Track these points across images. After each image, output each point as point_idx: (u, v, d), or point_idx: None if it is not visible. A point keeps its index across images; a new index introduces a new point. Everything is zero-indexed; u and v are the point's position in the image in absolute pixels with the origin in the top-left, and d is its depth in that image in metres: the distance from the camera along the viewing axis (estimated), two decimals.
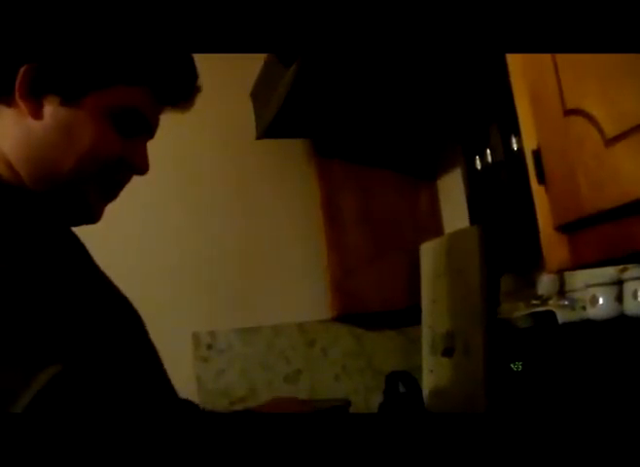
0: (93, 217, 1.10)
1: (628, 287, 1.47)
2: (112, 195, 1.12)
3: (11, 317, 0.81)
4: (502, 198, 1.99)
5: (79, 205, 1.07)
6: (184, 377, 2.07)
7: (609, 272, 1.53)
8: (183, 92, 1.13)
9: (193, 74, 1.15)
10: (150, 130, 1.13)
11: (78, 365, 0.82)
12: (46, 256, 0.91)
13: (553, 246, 1.05)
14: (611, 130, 0.88)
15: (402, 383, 2.04)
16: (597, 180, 0.92)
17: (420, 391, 2.12)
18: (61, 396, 0.78)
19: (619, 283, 1.51)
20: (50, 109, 1.02)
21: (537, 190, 1.08)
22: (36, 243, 0.92)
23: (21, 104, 1.02)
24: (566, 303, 1.72)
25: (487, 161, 2.05)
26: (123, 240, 2.19)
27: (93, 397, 0.82)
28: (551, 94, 1.00)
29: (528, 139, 1.11)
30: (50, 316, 0.84)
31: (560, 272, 1.79)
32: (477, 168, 2.11)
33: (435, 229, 2.43)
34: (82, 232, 1.14)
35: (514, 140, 1.90)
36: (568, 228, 1.02)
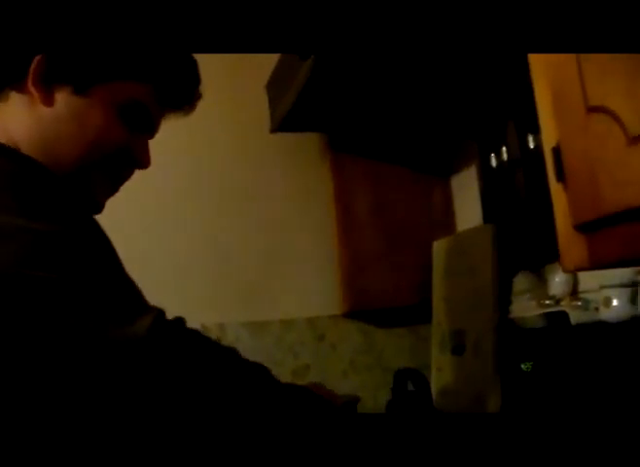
0: (97, 207, 1.12)
1: None
2: (114, 187, 1.15)
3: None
4: (517, 197, 1.97)
5: (83, 194, 1.09)
6: None
7: (624, 274, 1.51)
8: (184, 95, 1.18)
9: (195, 78, 1.19)
10: (153, 128, 1.17)
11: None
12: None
13: (571, 245, 1.03)
14: (635, 129, 0.86)
15: (410, 381, 2.03)
16: (619, 179, 0.90)
17: (429, 389, 2.11)
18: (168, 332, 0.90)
19: (633, 285, 1.50)
20: (60, 97, 1.05)
21: (555, 188, 1.06)
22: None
23: (33, 91, 1.04)
24: (579, 303, 1.71)
25: (503, 159, 2.03)
26: (133, 231, 2.18)
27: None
28: (573, 91, 0.99)
29: (548, 136, 1.09)
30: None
31: (574, 273, 1.78)
32: (492, 166, 2.10)
33: (448, 226, 2.42)
34: None
35: (530, 138, 1.89)
36: (587, 227, 1.00)
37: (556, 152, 1.05)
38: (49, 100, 1.04)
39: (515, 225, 1.98)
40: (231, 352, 1.00)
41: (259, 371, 1.00)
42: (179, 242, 2.29)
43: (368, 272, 2.33)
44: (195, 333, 0.96)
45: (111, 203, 1.15)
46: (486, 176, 2.15)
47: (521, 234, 1.95)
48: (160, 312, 0.91)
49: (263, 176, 2.41)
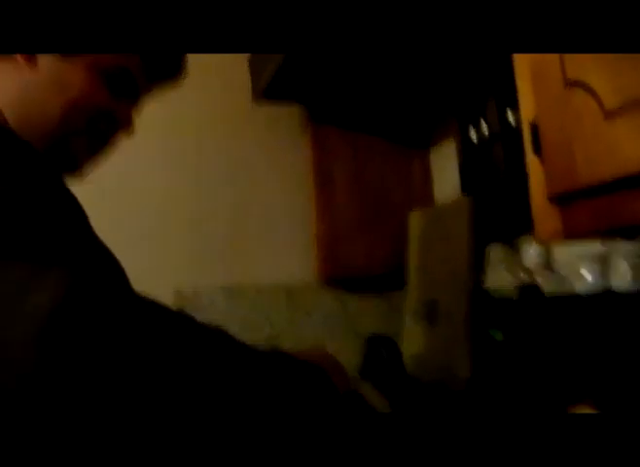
0: (78, 170, 1.13)
1: (615, 262, 1.49)
2: (98, 149, 1.15)
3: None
4: (495, 170, 1.99)
5: (64, 156, 1.10)
6: None
7: (597, 247, 1.54)
8: (170, 64, 1.18)
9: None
10: (137, 94, 1.17)
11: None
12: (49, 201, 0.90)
13: (545, 217, 1.06)
14: (611, 103, 0.88)
15: (383, 348, 2.06)
16: (594, 153, 0.92)
17: (401, 356, 2.14)
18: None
19: (606, 258, 1.52)
20: (44, 61, 1.06)
21: (532, 160, 1.09)
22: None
23: (18, 57, 1.05)
24: (552, 275, 1.73)
25: (483, 133, 2.05)
26: (107, 195, 2.17)
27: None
28: (552, 66, 1.00)
29: (526, 110, 1.11)
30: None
31: (548, 245, 1.81)
32: (471, 140, 2.11)
33: (426, 198, 2.44)
34: None
35: (510, 113, 1.90)
36: (561, 199, 1.02)
37: (534, 125, 1.07)
38: (33, 65, 1.05)
39: (492, 197, 2.00)
40: (181, 317, 0.87)
41: (217, 335, 0.87)
42: (153, 208, 2.29)
43: (344, 241, 2.34)
44: (130, 296, 0.81)
45: None
46: (466, 149, 2.17)
47: (498, 207, 1.97)
48: (78, 276, 0.72)
49: (242, 145, 2.41)
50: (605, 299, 1.51)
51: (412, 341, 2.25)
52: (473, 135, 2.10)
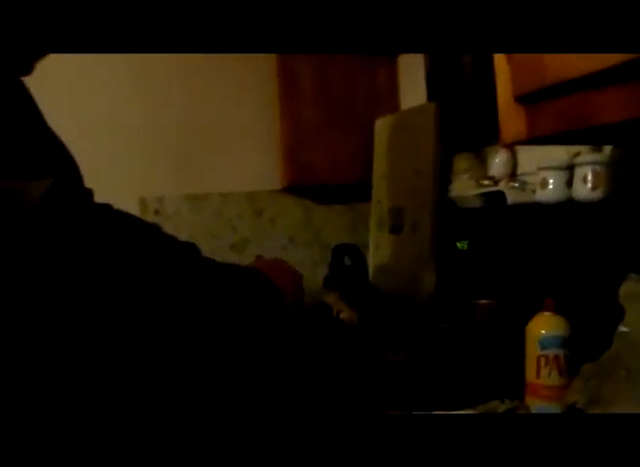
0: (25, 69, 1.07)
1: (579, 172, 1.47)
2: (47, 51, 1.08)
3: None
4: (462, 76, 1.95)
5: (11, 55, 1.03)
6: None
7: (561, 156, 1.53)
8: None
9: None
10: None
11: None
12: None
13: (511, 117, 1.03)
14: None
15: (348, 256, 2.05)
16: None
17: (366, 265, 2.14)
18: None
19: (570, 168, 1.51)
20: None
21: (499, 59, 1.05)
22: None
23: None
24: (517, 184, 1.72)
25: None
26: (73, 105, 2.11)
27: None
28: None
29: None
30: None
31: (514, 154, 1.79)
32: None
33: (392, 105, 2.40)
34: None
35: None
36: (527, 99, 1.00)
37: None
38: None
39: (458, 104, 1.97)
40: (154, 229, 0.85)
41: (187, 248, 0.85)
42: (116, 114, 2.22)
43: (309, 148, 2.31)
44: (105, 207, 0.80)
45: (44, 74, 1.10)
46: (433, 56, 2.12)
47: (464, 114, 1.94)
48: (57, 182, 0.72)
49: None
50: (566, 207, 1.51)
51: (378, 250, 2.25)
52: None
